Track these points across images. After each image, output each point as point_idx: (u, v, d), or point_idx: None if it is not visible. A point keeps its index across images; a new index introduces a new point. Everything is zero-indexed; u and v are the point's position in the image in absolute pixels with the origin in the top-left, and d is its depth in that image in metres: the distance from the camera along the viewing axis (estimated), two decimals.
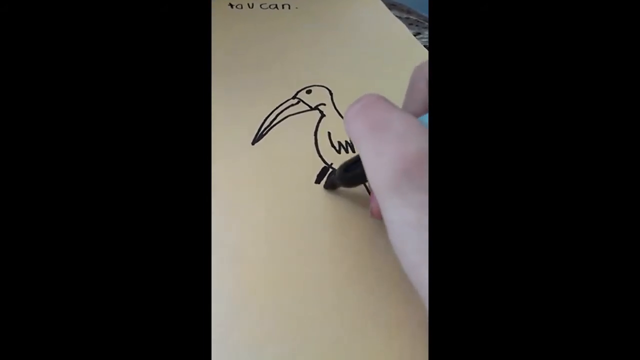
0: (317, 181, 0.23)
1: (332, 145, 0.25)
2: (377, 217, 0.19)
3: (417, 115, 0.15)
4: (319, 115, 0.27)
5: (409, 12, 0.45)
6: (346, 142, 0.26)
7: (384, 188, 0.12)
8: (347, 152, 0.25)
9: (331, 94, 0.29)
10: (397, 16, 0.40)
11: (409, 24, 0.41)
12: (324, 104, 0.28)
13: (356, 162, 0.19)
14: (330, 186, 0.23)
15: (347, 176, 0.20)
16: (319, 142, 0.26)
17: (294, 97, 0.28)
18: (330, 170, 0.24)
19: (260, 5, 0.40)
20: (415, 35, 0.37)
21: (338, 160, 0.25)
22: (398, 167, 0.12)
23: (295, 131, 0.26)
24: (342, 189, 0.23)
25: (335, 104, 0.28)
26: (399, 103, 0.18)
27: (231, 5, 0.40)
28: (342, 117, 0.27)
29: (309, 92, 0.29)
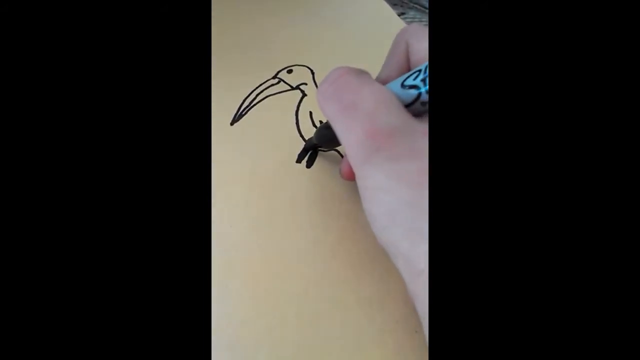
0: (298, 160, 0.23)
1: (314, 125, 0.25)
2: (347, 177, 0.20)
3: (393, 77, 0.15)
4: (300, 94, 0.27)
5: None
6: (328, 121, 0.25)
7: (357, 161, 0.13)
8: None
9: (313, 73, 0.28)
10: None
11: (393, 4, 0.40)
12: (305, 84, 0.27)
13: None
14: (309, 146, 0.23)
15: (323, 136, 0.20)
16: (300, 121, 0.25)
17: (274, 77, 0.27)
18: (312, 150, 0.24)
19: None
20: (399, 15, 0.36)
21: None
22: (367, 144, 0.12)
23: (276, 111, 0.26)
24: (320, 164, 0.23)
25: (317, 84, 0.27)
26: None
27: None
28: None
29: (289, 71, 0.28)
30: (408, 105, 0.13)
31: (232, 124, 0.25)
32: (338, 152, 0.23)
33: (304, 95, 0.27)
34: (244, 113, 0.25)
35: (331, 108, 0.14)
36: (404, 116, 0.12)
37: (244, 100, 0.26)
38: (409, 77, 0.13)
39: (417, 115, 0.13)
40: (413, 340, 0.17)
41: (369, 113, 0.13)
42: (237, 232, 0.20)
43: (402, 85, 0.13)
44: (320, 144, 0.21)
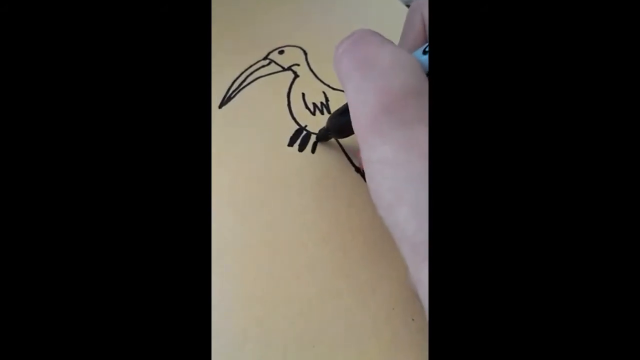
0: (290, 144, 0.22)
1: (307, 107, 0.24)
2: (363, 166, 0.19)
3: (412, 49, 0.14)
4: (292, 76, 0.25)
5: None
6: (321, 102, 0.24)
7: (364, 127, 0.12)
8: (322, 113, 0.24)
9: (305, 54, 0.27)
10: None
11: None
12: (298, 65, 0.26)
13: (346, 110, 0.18)
14: (323, 137, 0.21)
15: (336, 123, 0.19)
16: (292, 103, 0.24)
17: (265, 58, 0.26)
18: (305, 132, 0.22)
19: None
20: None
21: (312, 122, 0.23)
22: (378, 103, 0.11)
23: (267, 93, 0.24)
24: (318, 150, 0.22)
25: (310, 64, 0.26)
26: None
27: None
28: (317, 77, 0.25)
29: (281, 52, 0.27)
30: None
31: (220, 106, 0.24)
32: (337, 141, 0.22)
33: (296, 76, 0.25)
34: (232, 95, 0.24)
35: (346, 64, 0.13)
36: (422, 79, 0.11)
37: (232, 82, 0.25)
38: None
39: None
40: (410, 328, 0.16)
41: (384, 71, 0.12)
42: (225, 217, 0.19)
43: (424, 52, 0.13)
44: (333, 131, 0.20)
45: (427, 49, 0.13)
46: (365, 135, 0.12)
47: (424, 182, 0.10)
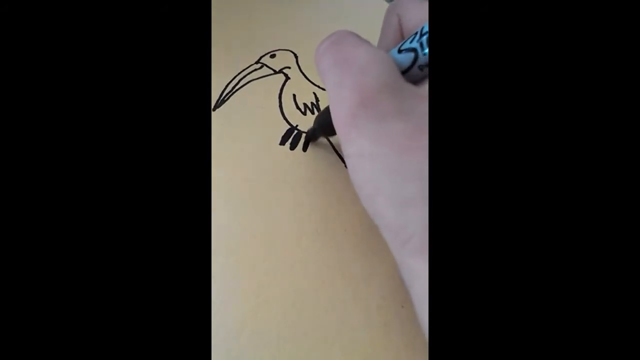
0: (282, 142, 0.23)
1: (297, 107, 0.25)
2: None
3: (389, 48, 0.15)
4: (284, 78, 0.26)
5: None
6: (312, 103, 0.25)
7: (342, 122, 0.12)
8: (312, 112, 0.24)
9: (296, 57, 0.28)
10: None
11: None
12: (289, 67, 0.27)
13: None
14: (312, 136, 0.22)
15: (322, 122, 0.19)
16: (283, 104, 0.25)
17: (257, 62, 0.27)
18: (296, 132, 0.23)
19: None
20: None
21: (303, 121, 0.24)
22: (355, 98, 0.12)
23: (259, 95, 0.25)
24: (309, 148, 0.22)
25: (301, 67, 0.27)
26: None
27: None
28: (307, 79, 0.26)
29: (272, 56, 0.28)
30: (405, 72, 0.13)
31: (214, 109, 0.24)
32: (328, 140, 0.23)
33: (287, 78, 0.26)
34: (226, 98, 0.25)
35: (325, 61, 0.13)
36: (396, 75, 0.12)
37: (226, 86, 0.26)
38: (405, 42, 0.13)
39: (414, 82, 0.13)
40: (400, 315, 0.17)
41: (361, 67, 0.12)
42: (220, 214, 0.20)
43: (399, 51, 0.13)
44: (321, 128, 0.20)
45: (401, 48, 0.13)
46: (344, 129, 0.12)
47: (398, 173, 0.11)
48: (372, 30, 0.17)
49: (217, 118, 0.24)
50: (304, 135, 0.23)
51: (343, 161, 0.22)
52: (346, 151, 0.12)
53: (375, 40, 0.17)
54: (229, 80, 0.26)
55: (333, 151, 0.22)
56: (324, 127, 0.19)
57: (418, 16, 0.15)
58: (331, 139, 0.23)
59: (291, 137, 0.23)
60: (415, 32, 0.13)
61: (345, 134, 0.12)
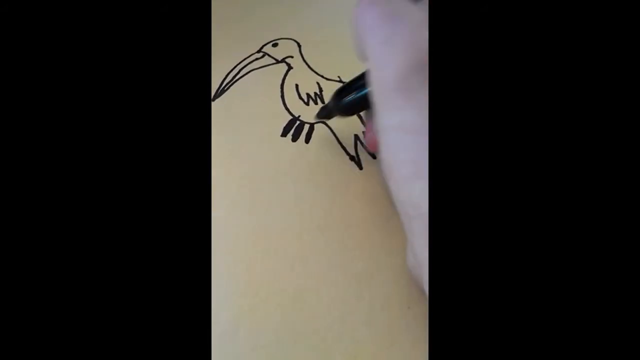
0: (284, 134, 0.22)
1: (300, 98, 0.24)
2: (373, 149, 0.17)
3: None
4: (286, 67, 0.25)
5: None
6: (315, 93, 0.24)
7: (388, 85, 0.11)
8: (315, 103, 0.23)
9: (299, 46, 0.27)
10: None
11: None
12: (292, 57, 0.26)
13: (353, 84, 0.16)
14: (325, 115, 0.20)
15: (342, 101, 0.17)
16: (285, 94, 0.24)
17: (258, 51, 0.26)
18: (298, 122, 0.22)
19: None
20: None
21: (306, 112, 0.23)
22: (408, 59, 0.10)
23: (260, 85, 0.24)
24: (312, 139, 0.21)
25: (304, 56, 0.26)
26: None
27: None
28: (311, 69, 0.25)
29: (275, 45, 0.27)
30: None
31: (213, 99, 0.23)
32: (331, 130, 0.22)
33: (290, 68, 0.25)
34: (226, 88, 0.24)
35: (371, 15, 0.11)
36: None
37: (226, 76, 0.25)
38: None
39: None
40: (406, 318, 0.16)
41: (417, 24, 0.10)
42: (220, 208, 0.19)
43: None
44: (344, 104, 0.17)
45: None
46: (388, 94, 0.11)
47: None
48: None
49: (217, 108, 0.23)
50: (306, 126, 0.22)
51: (347, 153, 0.21)
52: (386, 122, 0.11)
53: None
54: (230, 70, 0.25)
55: (336, 142, 0.21)
56: (351, 102, 0.17)
57: None
58: (338, 130, 0.22)
59: (293, 128, 0.22)
60: None
61: (388, 100, 0.11)
